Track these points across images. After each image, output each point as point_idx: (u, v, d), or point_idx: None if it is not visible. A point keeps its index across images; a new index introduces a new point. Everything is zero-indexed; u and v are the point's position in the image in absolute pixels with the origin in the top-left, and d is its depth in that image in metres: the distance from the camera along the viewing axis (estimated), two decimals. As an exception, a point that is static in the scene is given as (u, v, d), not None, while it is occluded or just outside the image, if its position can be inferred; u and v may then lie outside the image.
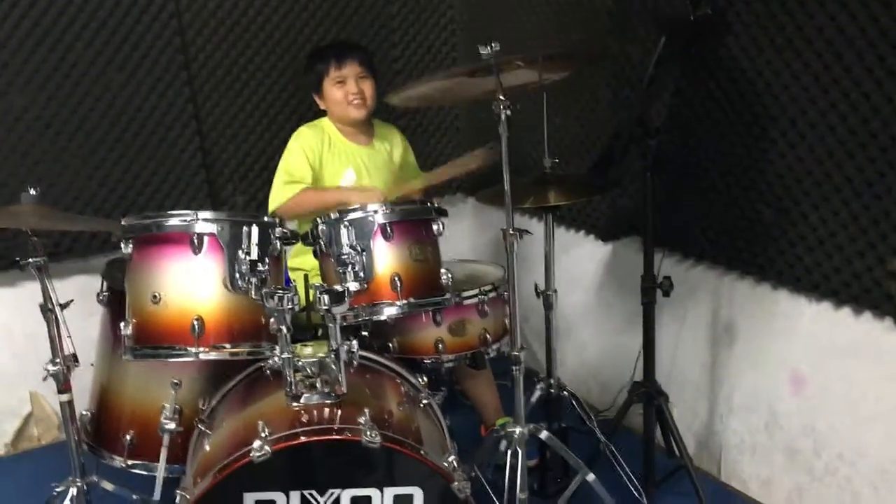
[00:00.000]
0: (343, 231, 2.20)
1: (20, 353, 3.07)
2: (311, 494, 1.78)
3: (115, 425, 2.35)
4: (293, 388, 1.91)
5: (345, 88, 2.74)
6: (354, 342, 1.94)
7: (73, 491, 2.23)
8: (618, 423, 2.64)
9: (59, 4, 2.85)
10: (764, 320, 2.54)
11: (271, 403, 1.99)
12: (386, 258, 2.21)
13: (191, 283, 2.02)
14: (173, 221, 2.05)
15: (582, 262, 3.22)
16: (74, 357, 2.22)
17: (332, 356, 1.92)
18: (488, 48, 1.98)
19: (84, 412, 2.40)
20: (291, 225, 2.38)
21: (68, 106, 2.94)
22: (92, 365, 2.44)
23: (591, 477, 2.30)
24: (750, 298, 2.57)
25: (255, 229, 2.07)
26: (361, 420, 1.79)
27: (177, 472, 2.18)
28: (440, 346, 2.48)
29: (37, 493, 2.32)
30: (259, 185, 3.26)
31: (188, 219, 2.04)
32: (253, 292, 2.02)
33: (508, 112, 2.00)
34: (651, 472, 2.54)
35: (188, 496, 1.80)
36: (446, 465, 1.87)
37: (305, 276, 2.36)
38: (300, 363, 1.95)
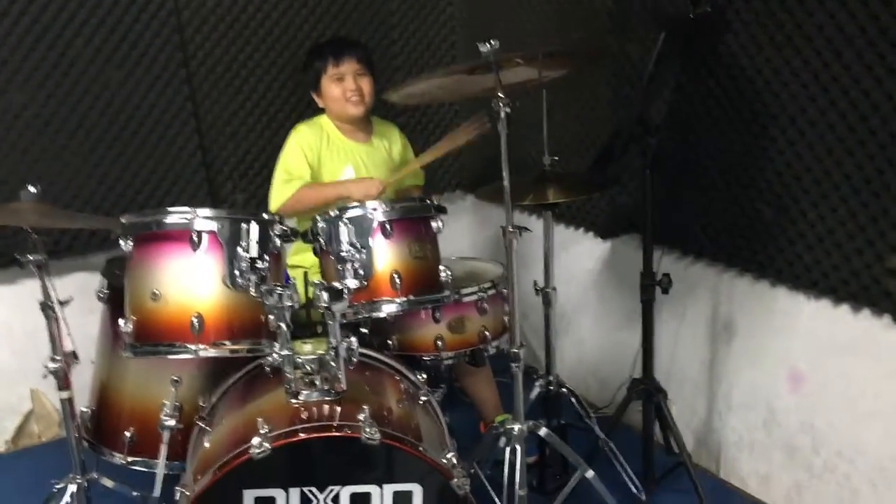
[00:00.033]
0: (342, 228, 2.20)
1: (20, 351, 3.07)
2: (310, 491, 1.78)
3: (115, 422, 2.35)
4: (293, 385, 1.91)
5: (343, 85, 2.74)
6: (354, 339, 1.94)
7: (73, 488, 2.24)
8: (617, 420, 2.64)
9: (59, 1, 2.85)
10: (763, 317, 2.54)
11: (271, 400, 1.99)
12: (385, 255, 2.21)
13: (190, 280, 2.02)
14: (173, 219, 2.05)
15: (581, 259, 3.23)
16: (74, 354, 2.22)
17: (332, 353, 1.92)
18: (488, 45, 1.98)
19: (84, 409, 2.40)
20: (291, 222, 2.38)
21: (68, 103, 2.94)
22: (92, 362, 2.44)
23: (590, 474, 2.31)
24: (749, 296, 2.58)
25: (254, 227, 2.07)
26: (361, 417, 1.79)
27: (177, 469, 2.18)
28: (439, 343, 2.48)
29: (37, 490, 2.33)
30: (259, 182, 3.26)
31: (188, 216, 2.04)
32: (252, 289, 2.02)
33: (508, 110, 2.00)
34: (650, 468, 2.55)
35: (188, 493, 1.81)
36: (445, 461, 1.88)
37: (305, 274, 2.36)
38: (300, 360, 1.95)
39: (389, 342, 2.49)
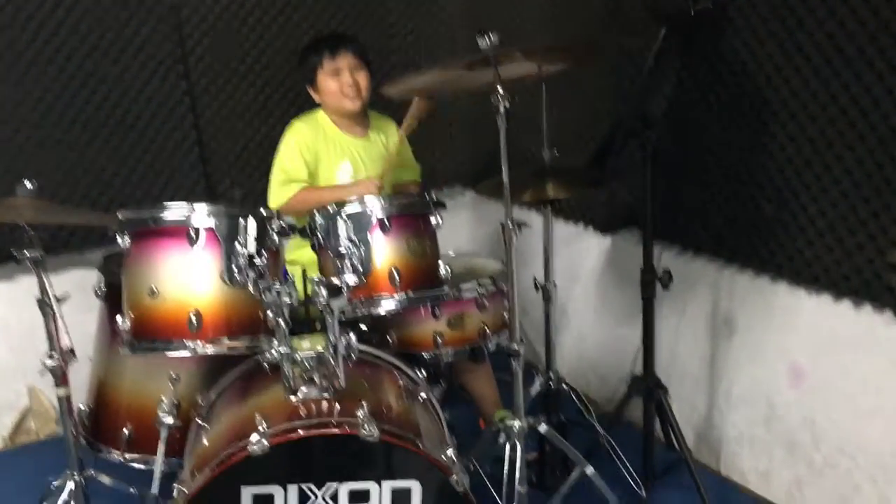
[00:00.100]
0: (341, 224, 2.19)
1: (17, 347, 3.07)
2: (308, 488, 1.78)
3: (112, 419, 2.35)
4: (291, 381, 1.91)
5: (339, 80, 2.73)
6: (352, 336, 1.93)
7: (70, 485, 2.23)
8: (617, 416, 2.63)
9: (55, -4, 2.84)
10: (763, 313, 2.53)
11: (269, 397, 1.98)
12: (384, 251, 2.20)
13: (188, 276, 2.02)
14: (170, 215, 2.05)
15: (581, 255, 3.22)
16: (72, 351, 2.21)
17: (331, 350, 1.91)
18: (487, 40, 1.97)
19: (82, 406, 2.40)
20: (289, 218, 2.37)
21: (64, 98, 2.93)
22: (90, 359, 2.44)
23: (590, 470, 2.30)
24: (749, 291, 2.57)
25: (252, 222, 2.06)
26: (359, 414, 1.78)
27: (175, 466, 2.18)
28: (439, 339, 2.47)
29: (34, 488, 2.33)
30: (256, 177, 3.25)
31: (185, 212, 2.03)
32: (251, 286, 2.01)
33: (507, 104, 1.99)
34: (650, 465, 2.54)
35: (186, 490, 1.80)
36: (444, 458, 1.87)
37: (303, 270, 2.35)
38: (298, 357, 1.94)
39: (388, 338, 2.49)
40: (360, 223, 2.19)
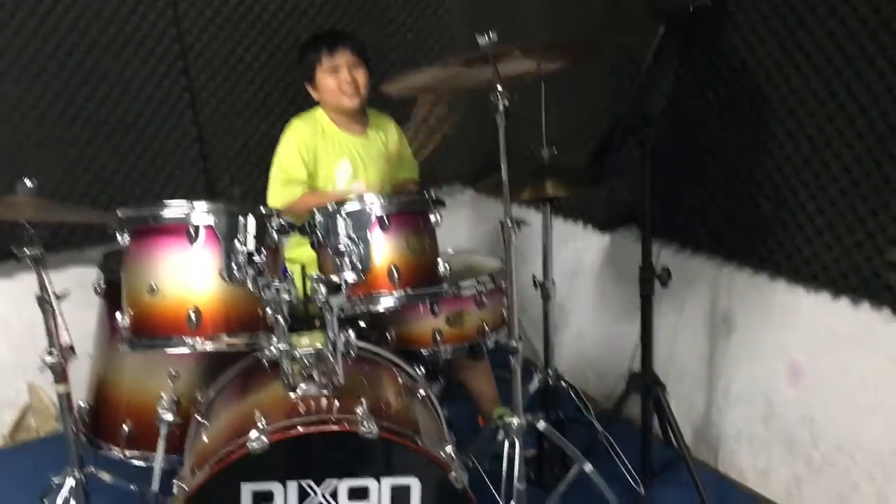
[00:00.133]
0: (340, 222, 2.19)
1: (18, 345, 3.07)
2: (308, 485, 1.78)
3: (112, 416, 2.35)
4: (290, 378, 1.91)
5: (338, 77, 2.72)
6: (352, 333, 1.93)
7: (70, 482, 2.23)
8: (615, 413, 2.64)
9: (55, -6, 2.84)
10: (762, 311, 2.54)
11: (268, 394, 1.99)
12: (383, 249, 2.20)
13: (188, 274, 2.02)
14: (170, 212, 2.05)
15: (580, 252, 3.22)
16: (71, 348, 2.22)
17: (330, 347, 1.91)
18: (486, 38, 1.97)
19: (82, 403, 2.40)
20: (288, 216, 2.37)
21: (64, 96, 2.93)
22: (89, 356, 2.44)
23: (588, 467, 2.31)
24: (748, 289, 2.57)
25: (251, 220, 2.06)
26: (359, 411, 1.78)
27: (175, 463, 2.18)
28: (438, 336, 2.48)
29: (35, 485, 2.33)
30: (256, 175, 3.25)
31: (185, 210, 2.03)
32: (250, 283, 2.01)
33: (506, 102, 1.99)
34: (649, 462, 2.54)
35: (186, 487, 1.80)
36: (443, 455, 1.87)
37: (303, 268, 2.35)
38: (297, 354, 1.95)
39: (387, 336, 2.49)
40: (359, 221, 2.19)
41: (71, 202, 2.96)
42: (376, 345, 2.26)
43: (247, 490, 1.76)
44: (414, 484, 1.82)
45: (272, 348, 1.93)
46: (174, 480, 1.88)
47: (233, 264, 2.02)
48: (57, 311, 2.16)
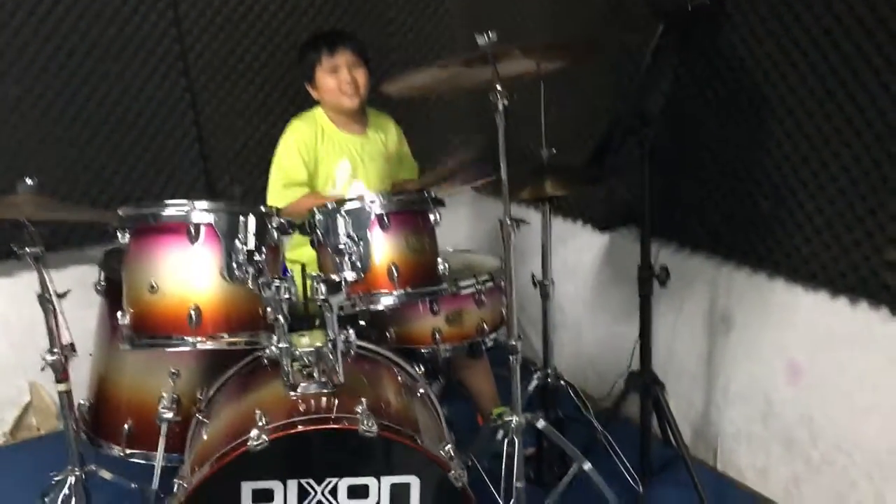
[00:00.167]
0: (340, 221, 2.20)
1: (18, 343, 3.07)
2: (308, 483, 1.79)
3: (113, 415, 2.35)
4: (290, 377, 1.91)
5: (338, 77, 2.73)
6: (351, 332, 1.94)
7: (71, 480, 2.23)
8: (614, 412, 2.64)
9: (55, -7, 2.84)
10: (760, 310, 2.54)
11: (269, 393, 1.99)
12: (383, 248, 2.21)
13: (188, 272, 2.02)
14: (170, 211, 2.05)
15: (579, 252, 3.23)
16: (72, 347, 2.22)
17: (330, 346, 1.92)
18: (485, 38, 1.97)
19: (82, 402, 2.40)
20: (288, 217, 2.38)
21: (65, 95, 2.94)
22: (90, 355, 2.44)
23: (587, 466, 2.31)
24: (746, 288, 2.57)
25: (251, 219, 2.06)
26: (358, 409, 1.79)
27: (175, 461, 2.18)
28: (437, 335, 2.48)
29: (35, 483, 2.33)
30: (256, 174, 3.25)
31: (185, 208, 2.04)
32: (250, 282, 2.02)
33: (505, 102, 2.00)
34: (647, 461, 2.55)
35: (186, 485, 1.81)
36: (443, 454, 1.88)
37: (303, 267, 2.36)
38: (297, 353, 1.95)
39: (387, 334, 2.50)
40: (359, 220, 2.20)
41: (71, 201, 2.97)
42: (376, 343, 2.26)
43: (247, 488, 1.76)
44: (413, 482, 1.82)
45: (272, 347, 1.93)
46: (174, 479, 1.89)
47: (233, 263, 2.03)
48: (58, 310, 2.17)
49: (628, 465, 2.51)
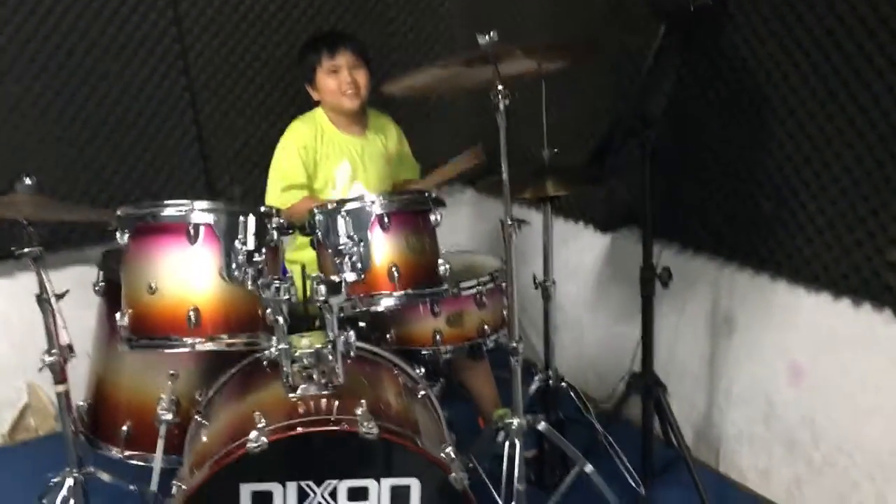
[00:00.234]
0: (340, 222, 2.19)
1: (17, 344, 3.07)
2: (307, 485, 1.78)
3: (111, 416, 2.35)
4: (290, 379, 1.91)
5: (338, 78, 2.72)
6: (352, 333, 1.93)
7: (69, 482, 2.22)
8: (616, 414, 2.64)
9: (55, -7, 2.83)
10: (763, 311, 2.53)
11: (268, 394, 1.98)
12: (383, 249, 2.20)
13: (187, 273, 2.02)
14: (169, 211, 2.04)
15: (580, 252, 3.22)
16: (70, 348, 2.21)
17: (330, 347, 1.91)
18: (486, 38, 1.96)
19: (81, 403, 2.39)
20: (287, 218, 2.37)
21: (64, 94, 2.93)
22: (88, 356, 2.43)
23: (589, 468, 2.30)
24: (749, 289, 2.57)
25: (251, 219, 2.06)
26: (358, 411, 1.78)
27: (174, 463, 2.18)
28: (438, 337, 2.47)
29: (34, 484, 2.32)
30: (256, 175, 3.24)
31: (184, 209, 2.03)
32: (249, 283, 2.01)
33: (507, 102, 1.99)
34: (649, 463, 2.54)
35: (185, 487, 1.80)
36: (443, 456, 1.87)
37: (303, 267, 2.35)
38: (297, 354, 1.94)
39: (387, 336, 2.49)
40: (359, 220, 2.19)
41: (70, 201, 2.96)
42: (376, 345, 2.26)
43: (246, 490, 1.76)
44: (414, 485, 1.81)
45: (272, 348, 1.92)
46: (173, 481, 1.88)
47: (232, 264, 2.02)
48: (56, 311, 2.16)
49: (630, 466, 2.51)
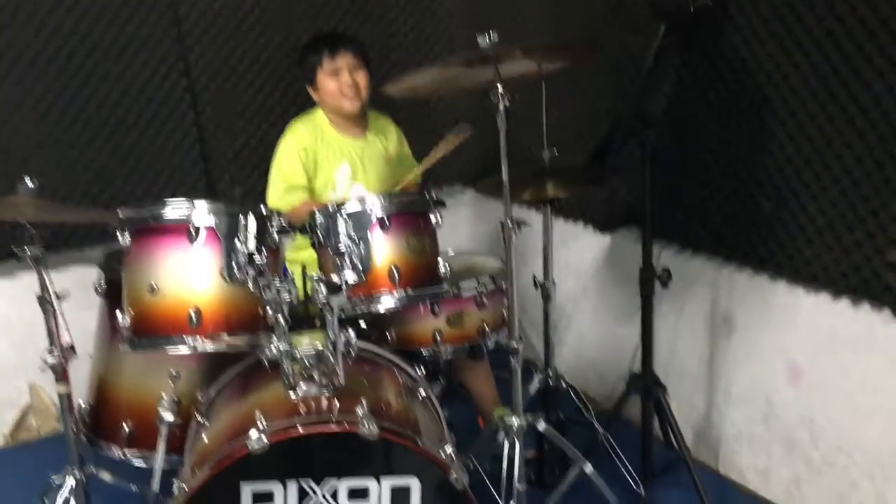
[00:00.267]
0: (341, 222, 2.19)
1: (19, 344, 3.07)
2: (308, 485, 1.78)
3: (113, 416, 2.35)
4: (290, 379, 1.91)
5: (339, 80, 2.72)
6: (352, 333, 1.93)
7: (71, 482, 2.23)
8: (616, 414, 2.64)
9: (56, -6, 2.84)
10: (762, 311, 2.54)
11: (269, 394, 1.99)
12: (384, 249, 2.20)
13: (188, 273, 2.02)
14: (170, 212, 2.05)
15: (580, 253, 3.22)
16: (72, 348, 2.22)
17: (330, 347, 1.91)
18: (487, 38, 1.97)
19: (82, 403, 2.40)
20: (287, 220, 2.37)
21: (65, 96, 2.93)
22: (90, 356, 2.44)
23: (588, 468, 2.31)
24: (748, 289, 2.57)
25: (252, 220, 2.06)
26: (359, 411, 1.78)
27: (175, 463, 2.18)
28: (438, 337, 2.48)
29: (35, 484, 2.33)
30: (257, 176, 3.24)
31: (185, 210, 2.03)
32: (250, 283, 2.01)
33: (507, 103, 1.99)
34: (649, 463, 2.54)
35: (186, 487, 1.80)
36: (443, 455, 1.87)
37: (303, 268, 2.35)
38: (298, 354, 1.95)
39: (388, 336, 2.49)
40: (359, 221, 2.19)
41: (72, 202, 2.96)
42: (377, 345, 2.26)
43: (247, 490, 1.76)
44: (414, 484, 1.82)
45: (272, 348, 1.93)
46: (174, 480, 1.88)
47: (233, 264, 2.02)
48: (58, 311, 2.16)
49: (629, 467, 2.51)
